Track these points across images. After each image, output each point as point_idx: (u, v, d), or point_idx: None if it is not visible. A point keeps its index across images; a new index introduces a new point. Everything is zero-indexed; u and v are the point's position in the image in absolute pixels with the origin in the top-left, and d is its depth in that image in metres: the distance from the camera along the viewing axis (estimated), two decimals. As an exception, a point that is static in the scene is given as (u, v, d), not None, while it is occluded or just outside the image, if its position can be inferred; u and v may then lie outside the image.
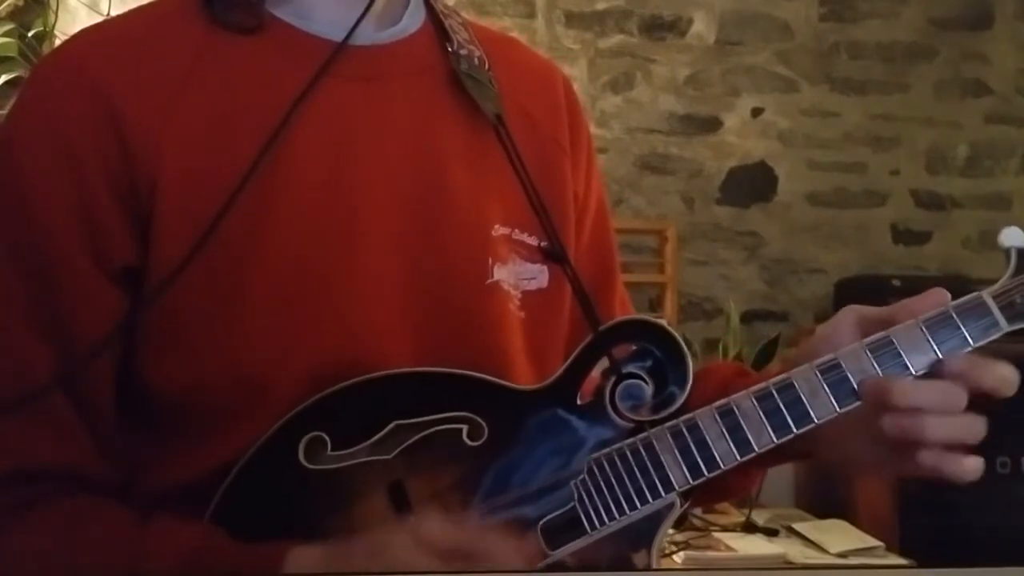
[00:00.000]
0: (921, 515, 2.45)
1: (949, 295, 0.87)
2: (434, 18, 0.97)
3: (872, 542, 2.38)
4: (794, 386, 0.84)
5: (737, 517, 2.55)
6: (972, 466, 0.82)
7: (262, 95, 0.86)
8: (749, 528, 2.48)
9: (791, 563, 2.24)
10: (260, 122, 0.84)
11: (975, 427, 0.83)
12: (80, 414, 0.83)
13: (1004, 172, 3.33)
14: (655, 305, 3.00)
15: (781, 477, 2.79)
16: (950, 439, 0.82)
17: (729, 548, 2.34)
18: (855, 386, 0.84)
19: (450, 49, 0.94)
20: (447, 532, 0.76)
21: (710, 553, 2.29)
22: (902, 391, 0.82)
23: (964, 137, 3.31)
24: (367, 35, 0.90)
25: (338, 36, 0.88)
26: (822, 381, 0.84)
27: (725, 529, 2.48)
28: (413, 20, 0.96)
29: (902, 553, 2.38)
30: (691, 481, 0.84)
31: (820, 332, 0.90)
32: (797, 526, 2.52)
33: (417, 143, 0.91)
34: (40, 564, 0.80)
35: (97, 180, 0.83)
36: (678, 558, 2.23)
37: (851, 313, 0.89)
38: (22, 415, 0.80)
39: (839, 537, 2.42)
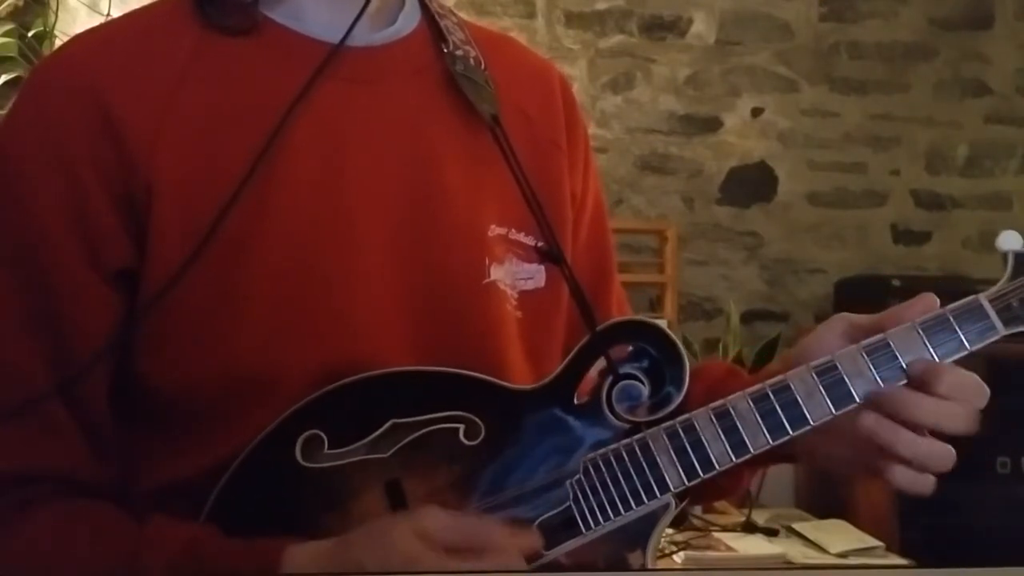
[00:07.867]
0: (921, 515, 2.45)
1: (937, 300, 0.87)
2: (429, 19, 0.97)
3: (872, 542, 2.37)
4: (790, 388, 0.84)
5: (737, 517, 2.55)
6: (926, 484, 0.85)
7: (257, 97, 0.86)
8: (749, 528, 2.48)
9: (791, 563, 2.24)
10: (255, 124, 0.84)
11: (946, 456, 0.84)
12: (75, 418, 0.83)
13: (1004, 172, 3.33)
14: (655, 305, 3.00)
15: (781, 477, 2.79)
16: (915, 460, 0.84)
17: (729, 548, 2.34)
18: (850, 387, 0.84)
19: (445, 50, 0.94)
20: (448, 525, 0.76)
21: (710, 553, 2.29)
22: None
23: (964, 137, 3.31)
24: (362, 36, 0.90)
25: (332, 37, 0.88)
26: (818, 383, 0.84)
27: (725, 529, 2.47)
28: (408, 21, 0.96)
29: (902, 553, 2.37)
30: (686, 482, 0.84)
31: (806, 341, 0.90)
32: (797, 526, 2.52)
33: (412, 144, 0.91)
34: (36, 565, 0.80)
35: (93, 184, 0.83)
36: (678, 558, 2.23)
37: (840, 321, 0.89)
38: (17, 419, 0.80)
39: (839, 537, 2.42)
